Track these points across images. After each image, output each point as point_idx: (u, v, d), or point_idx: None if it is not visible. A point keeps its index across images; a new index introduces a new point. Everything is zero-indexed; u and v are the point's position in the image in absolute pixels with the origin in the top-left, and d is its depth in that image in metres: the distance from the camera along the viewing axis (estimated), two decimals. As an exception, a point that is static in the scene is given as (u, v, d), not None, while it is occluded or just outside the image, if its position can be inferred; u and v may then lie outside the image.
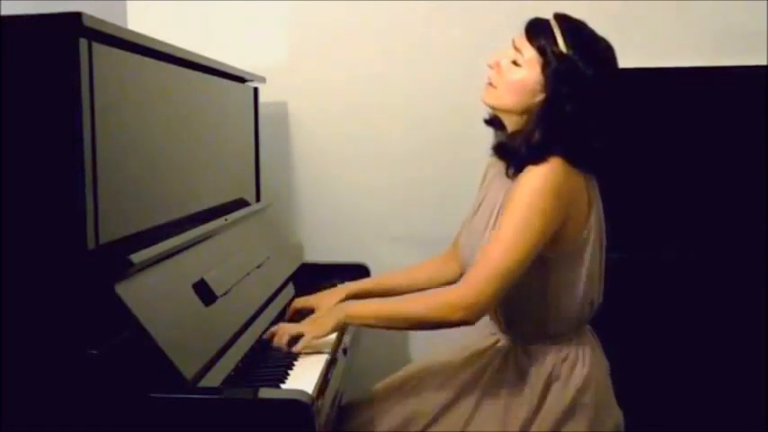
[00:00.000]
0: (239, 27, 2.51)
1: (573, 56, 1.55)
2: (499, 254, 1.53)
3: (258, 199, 2.30)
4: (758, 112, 2.25)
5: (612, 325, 1.76)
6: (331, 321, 1.64)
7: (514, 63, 1.61)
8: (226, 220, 1.81)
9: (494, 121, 1.75)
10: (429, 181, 2.52)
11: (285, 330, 1.65)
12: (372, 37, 2.49)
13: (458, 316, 1.54)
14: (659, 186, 2.30)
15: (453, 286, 1.62)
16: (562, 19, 1.60)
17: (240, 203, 2.09)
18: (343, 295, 1.89)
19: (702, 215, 2.30)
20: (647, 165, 2.27)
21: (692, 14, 2.40)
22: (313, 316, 1.74)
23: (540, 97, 1.58)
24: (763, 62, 2.32)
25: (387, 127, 2.51)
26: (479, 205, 1.76)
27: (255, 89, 2.27)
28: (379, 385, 1.81)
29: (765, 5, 2.37)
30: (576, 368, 1.62)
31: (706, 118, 2.29)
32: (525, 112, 1.61)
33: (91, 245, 1.23)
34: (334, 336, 1.69)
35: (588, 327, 1.72)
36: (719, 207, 2.30)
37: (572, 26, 1.59)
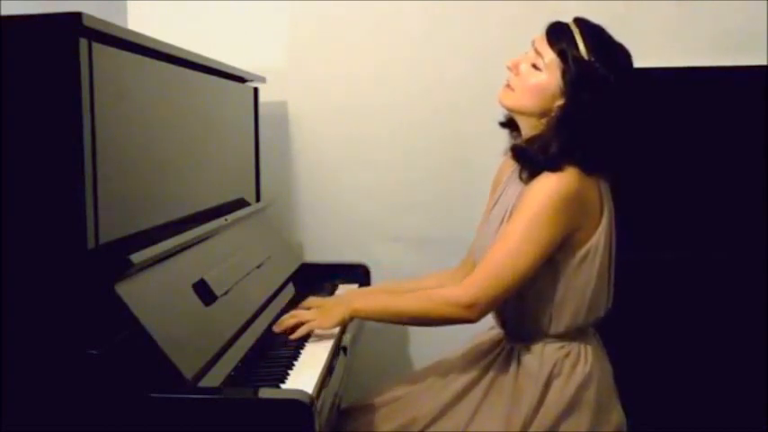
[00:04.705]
0: (239, 27, 2.50)
1: (593, 61, 1.54)
2: (503, 256, 1.53)
3: (258, 199, 2.30)
4: (758, 112, 2.25)
5: (612, 325, 1.76)
6: (338, 315, 1.65)
7: (534, 66, 1.60)
8: (226, 220, 1.80)
9: (509, 124, 1.74)
10: (429, 181, 2.51)
11: (292, 314, 1.67)
12: (372, 37, 2.49)
13: (458, 314, 1.56)
14: (658, 186, 2.30)
15: (458, 285, 1.63)
16: (582, 23, 1.59)
17: (240, 203, 2.09)
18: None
19: (702, 215, 2.30)
20: (647, 165, 2.26)
21: (692, 14, 2.39)
22: (318, 304, 1.74)
23: (559, 102, 1.57)
24: (763, 62, 2.32)
25: (387, 127, 2.51)
26: (492, 209, 1.75)
27: (255, 89, 2.27)
28: (380, 388, 1.81)
29: (765, 5, 2.37)
30: (577, 365, 1.62)
31: (706, 118, 2.29)
32: (543, 115, 1.60)
33: (91, 245, 1.23)
34: (334, 336, 1.70)
35: (592, 330, 1.72)
36: (719, 207, 2.29)
37: (592, 31, 1.58)
